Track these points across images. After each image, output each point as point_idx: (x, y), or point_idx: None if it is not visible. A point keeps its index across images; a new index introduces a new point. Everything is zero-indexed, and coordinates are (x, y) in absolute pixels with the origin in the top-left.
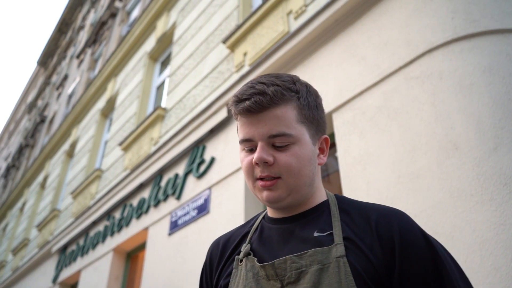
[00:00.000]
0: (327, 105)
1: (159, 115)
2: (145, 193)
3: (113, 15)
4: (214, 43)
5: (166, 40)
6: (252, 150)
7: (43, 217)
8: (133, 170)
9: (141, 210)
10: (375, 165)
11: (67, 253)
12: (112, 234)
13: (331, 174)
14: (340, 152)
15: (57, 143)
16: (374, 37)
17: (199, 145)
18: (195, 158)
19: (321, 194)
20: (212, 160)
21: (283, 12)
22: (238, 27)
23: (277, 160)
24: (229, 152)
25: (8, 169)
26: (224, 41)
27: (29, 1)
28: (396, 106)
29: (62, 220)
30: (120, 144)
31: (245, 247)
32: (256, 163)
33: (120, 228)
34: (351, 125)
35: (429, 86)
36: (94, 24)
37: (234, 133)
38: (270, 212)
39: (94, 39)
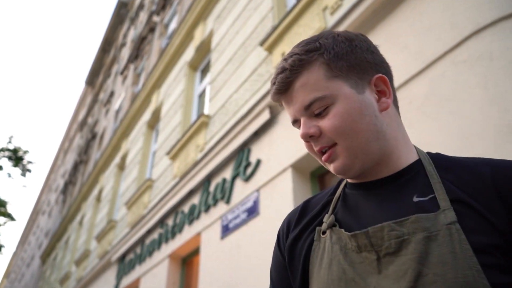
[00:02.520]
0: None
1: (203, 122)
2: (195, 199)
3: (152, 30)
4: (251, 46)
5: (205, 48)
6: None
7: (101, 228)
8: (182, 178)
9: (192, 216)
10: None
11: (126, 262)
12: (167, 241)
13: None
14: None
15: (109, 157)
16: (416, 23)
17: (244, 148)
18: (241, 161)
19: (409, 151)
20: (258, 162)
21: (318, 8)
22: (274, 28)
23: (322, 128)
24: (274, 152)
25: (65, 185)
26: (262, 44)
27: (75, 24)
28: (445, 93)
29: (118, 230)
30: (168, 153)
31: (328, 218)
32: (307, 141)
33: (173, 234)
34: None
35: (479, 69)
36: (135, 40)
37: (278, 134)
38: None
39: (136, 55)
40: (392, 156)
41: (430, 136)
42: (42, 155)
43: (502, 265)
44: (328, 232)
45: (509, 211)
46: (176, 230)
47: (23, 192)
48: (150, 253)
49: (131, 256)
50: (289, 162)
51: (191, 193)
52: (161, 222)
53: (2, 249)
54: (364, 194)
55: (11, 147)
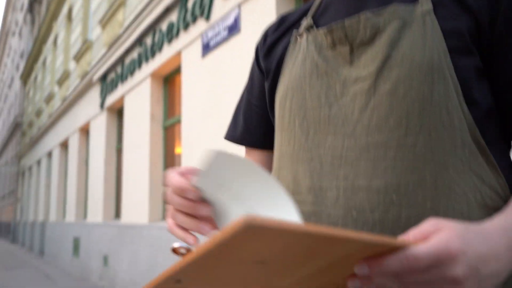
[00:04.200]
0: None
1: None
2: (173, 16)
3: None
4: None
5: None
6: None
7: (77, 49)
8: None
9: (171, 34)
10: None
11: (108, 81)
12: (147, 60)
13: None
14: None
15: None
16: None
17: None
18: None
19: None
20: None
21: None
22: None
23: None
24: None
25: (31, 4)
26: None
27: None
28: None
29: (96, 51)
30: None
31: (305, 21)
32: None
33: (153, 53)
34: None
35: None
36: None
37: None
38: None
39: None
40: None
41: None
42: None
43: (469, 49)
44: (305, 34)
45: (490, 2)
46: (155, 49)
47: None
48: (131, 72)
49: (112, 76)
50: None
51: (168, 10)
52: (139, 41)
53: None
54: None
55: None
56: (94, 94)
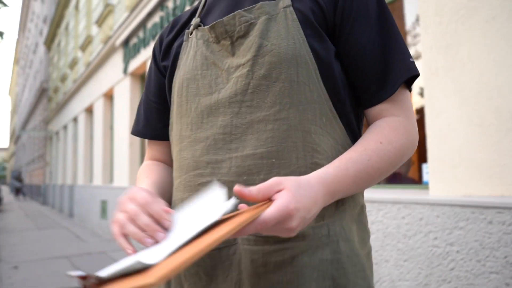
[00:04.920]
0: None
1: None
2: None
3: None
4: None
5: None
6: None
7: (99, 13)
8: None
9: None
10: None
11: (131, 46)
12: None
13: None
14: None
15: None
16: None
17: None
18: None
19: None
20: None
21: None
22: None
23: None
24: None
25: None
26: None
27: None
28: None
29: (118, 15)
30: None
31: (194, 20)
32: None
33: (175, 16)
34: None
35: None
36: None
37: None
38: None
39: None
40: None
41: None
42: None
43: (321, 36)
44: (194, 32)
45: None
46: (177, 12)
47: None
48: (154, 37)
49: (134, 40)
50: None
51: None
52: (161, 4)
53: (3, 35)
54: None
55: None
56: (117, 59)
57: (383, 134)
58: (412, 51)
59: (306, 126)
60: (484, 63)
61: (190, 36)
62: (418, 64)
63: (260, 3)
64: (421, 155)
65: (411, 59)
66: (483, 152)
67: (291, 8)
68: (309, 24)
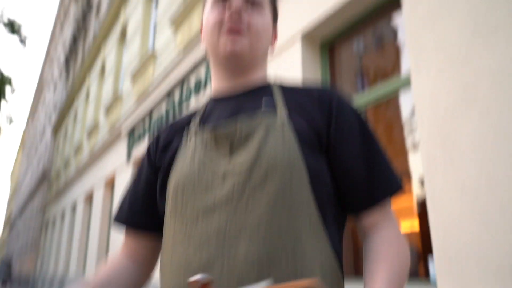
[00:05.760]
0: None
1: None
2: (201, 72)
3: None
4: None
5: None
6: (225, 1)
7: (108, 102)
8: (186, 49)
9: (199, 89)
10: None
11: (136, 135)
12: (174, 115)
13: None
14: (405, 10)
15: (108, 28)
16: None
17: None
18: None
19: (266, 75)
20: None
21: None
22: None
23: (250, 20)
24: (281, 20)
25: (67, 59)
26: None
27: None
28: None
29: (126, 104)
30: (171, 22)
31: (194, 122)
32: (234, 12)
33: (180, 107)
34: None
35: None
36: None
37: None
38: (216, 94)
39: None
40: (257, 76)
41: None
42: (38, 28)
43: (313, 148)
44: (194, 133)
45: (323, 117)
46: (183, 102)
47: (26, 68)
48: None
49: (140, 130)
50: (298, 28)
51: (196, 66)
52: (168, 95)
53: (12, 122)
54: (226, 103)
55: (5, 20)
56: (121, 147)
57: (393, 262)
58: (409, 142)
59: (297, 229)
60: (482, 154)
61: (189, 137)
62: (417, 156)
63: (262, 112)
64: (426, 247)
65: (394, 174)
66: (490, 248)
67: (288, 123)
68: (304, 138)
